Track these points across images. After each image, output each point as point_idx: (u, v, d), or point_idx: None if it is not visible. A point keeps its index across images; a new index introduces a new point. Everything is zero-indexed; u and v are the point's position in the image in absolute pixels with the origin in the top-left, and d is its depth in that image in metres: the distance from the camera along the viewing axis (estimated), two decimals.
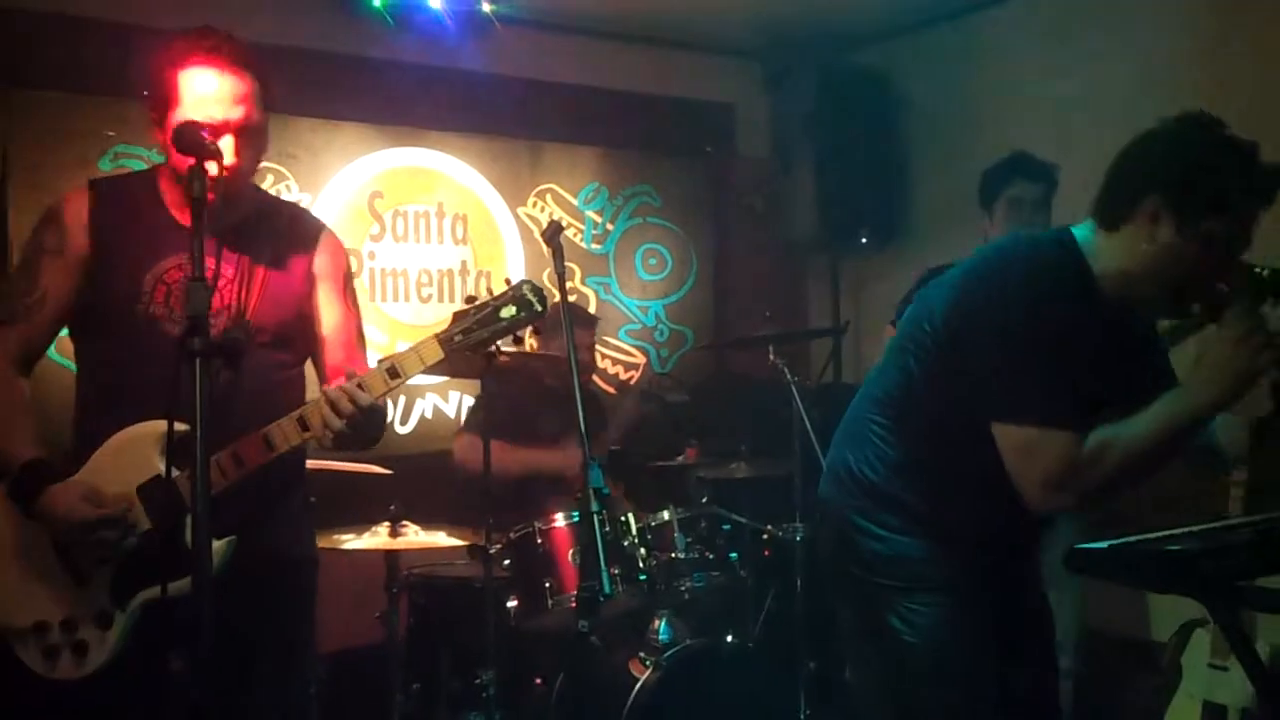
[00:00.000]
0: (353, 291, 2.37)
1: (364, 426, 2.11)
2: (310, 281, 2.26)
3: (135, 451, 2.06)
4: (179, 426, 2.00)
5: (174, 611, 1.98)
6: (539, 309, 2.17)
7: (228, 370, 1.98)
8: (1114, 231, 2.02)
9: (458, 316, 2.17)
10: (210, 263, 2.07)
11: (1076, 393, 1.95)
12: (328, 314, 2.28)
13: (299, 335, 2.25)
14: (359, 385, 2.07)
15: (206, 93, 2.05)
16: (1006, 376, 1.97)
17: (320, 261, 2.28)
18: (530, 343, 4.13)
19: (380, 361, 2.14)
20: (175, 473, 2.00)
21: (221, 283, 2.12)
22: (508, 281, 2.21)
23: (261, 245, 2.20)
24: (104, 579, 2.06)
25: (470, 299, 2.19)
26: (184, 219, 2.13)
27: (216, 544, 2.01)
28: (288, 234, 2.27)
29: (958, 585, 2.14)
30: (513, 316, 2.16)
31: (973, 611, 2.14)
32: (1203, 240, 1.93)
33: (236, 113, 2.07)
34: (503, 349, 3.35)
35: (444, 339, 2.15)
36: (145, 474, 2.06)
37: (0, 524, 2.09)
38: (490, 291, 2.19)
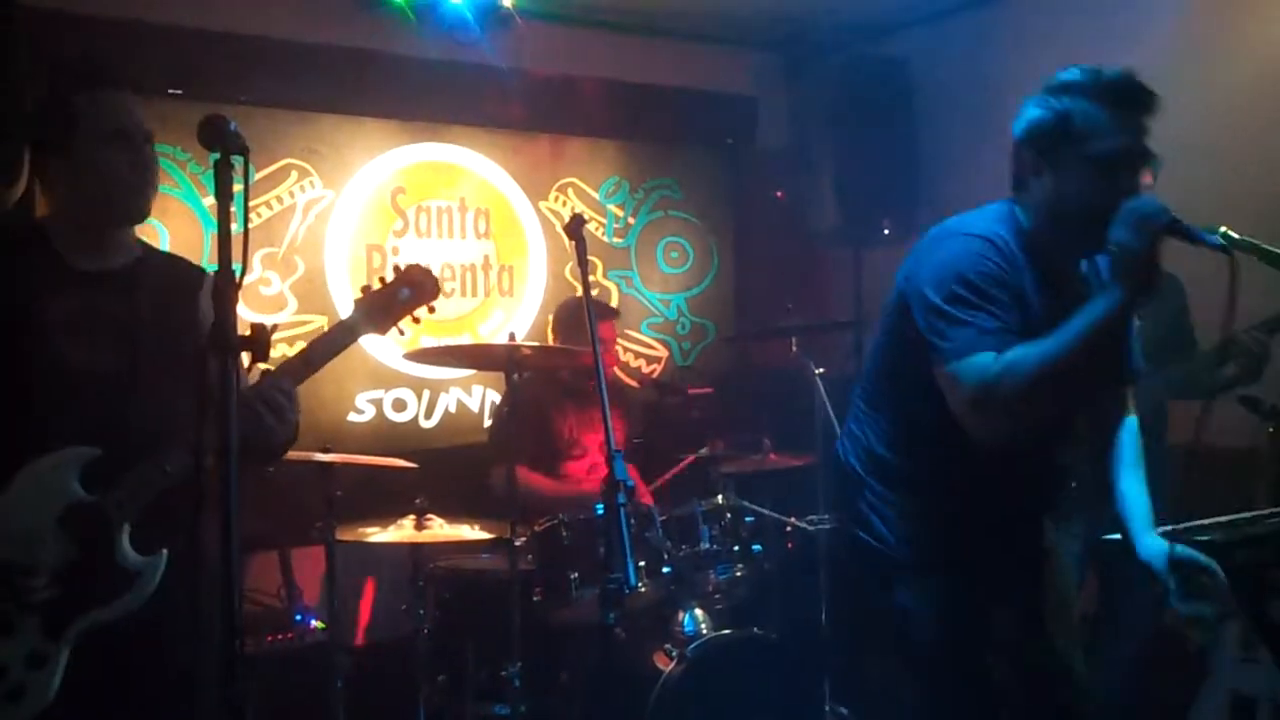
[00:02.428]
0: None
1: (279, 428, 2.10)
2: (201, 325, 2.20)
3: (50, 480, 2.02)
4: (89, 451, 2.02)
5: (121, 636, 1.99)
6: (432, 289, 2.29)
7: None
8: (1023, 191, 2.19)
9: (359, 304, 2.25)
10: (99, 307, 2.12)
11: (996, 327, 2.04)
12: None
13: (189, 376, 2.12)
14: (281, 377, 2.11)
15: (113, 103, 2.12)
16: (930, 323, 2.11)
17: (206, 303, 2.23)
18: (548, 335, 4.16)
19: (294, 355, 2.18)
20: (92, 496, 2.01)
21: (113, 325, 2.12)
22: (396, 269, 2.29)
23: (147, 289, 2.20)
24: (31, 619, 1.99)
25: (365, 288, 2.27)
26: (76, 261, 2.15)
27: (153, 558, 2.04)
28: (172, 278, 2.27)
29: (942, 570, 2.23)
30: (409, 297, 2.27)
31: (959, 597, 2.23)
32: (1082, 169, 2.06)
33: (148, 126, 2.16)
34: (523, 345, 3.37)
35: (349, 327, 2.23)
36: (64, 501, 2.01)
37: None
38: (383, 282, 2.28)
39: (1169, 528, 2.15)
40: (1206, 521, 2.18)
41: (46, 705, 1.98)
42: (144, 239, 2.31)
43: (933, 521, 2.26)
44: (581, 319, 3.98)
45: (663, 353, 5.20)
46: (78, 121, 2.10)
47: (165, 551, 2.04)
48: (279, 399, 2.09)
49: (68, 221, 2.18)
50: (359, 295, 2.26)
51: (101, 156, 2.12)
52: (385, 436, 4.37)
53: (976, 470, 2.16)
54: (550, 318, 4.25)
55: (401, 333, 2.32)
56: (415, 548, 3.37)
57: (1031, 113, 2.16)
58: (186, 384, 2.16)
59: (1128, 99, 2.05)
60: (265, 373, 2.13)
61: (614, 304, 4.94)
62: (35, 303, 2.10)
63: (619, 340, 4.88)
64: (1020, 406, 1.97)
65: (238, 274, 1.71)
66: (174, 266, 2.34)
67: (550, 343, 4.08)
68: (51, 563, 2.00)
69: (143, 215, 2.21)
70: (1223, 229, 3.02)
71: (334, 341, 2.21)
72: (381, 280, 2.27)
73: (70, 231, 2.17)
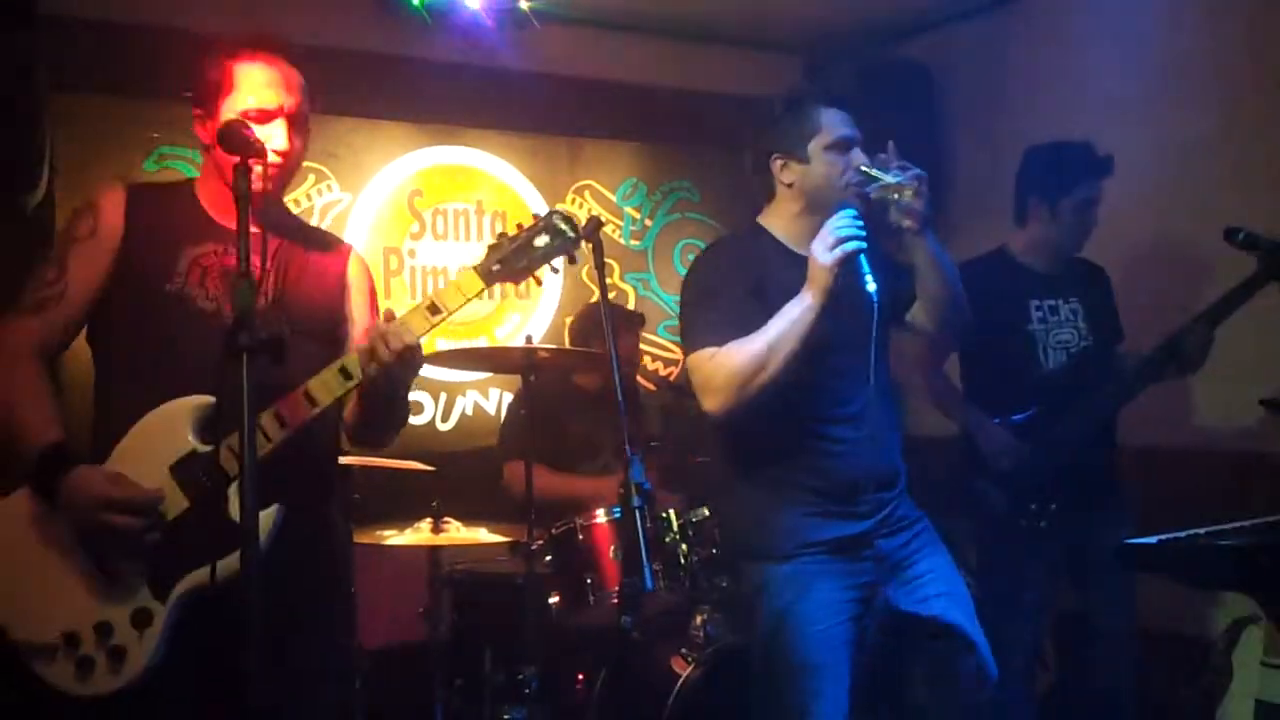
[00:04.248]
0: (377, 309, 2.34)
1: (401, 374, 2.05)
2: (343, 285, 2.26)
3: (167, 431, 1.99)
4: (204, 400, 1.99)
5: (226, 598, 1.84)
6: (571, 235, 2.16)
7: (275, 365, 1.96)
8: (768, 204, 2.67)
9: (493, 249, 2.12)
10: (232, 257, 2.08)
11: (718, 320, 2.44)
12: (359, 320, 2.27)
13: (329, 332, 2.22)
14: (401, 324, 2.01)
15: (262, 79, 2.09)
16: (681, 325, 2.57)
17: (353, 270, 2.29)
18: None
19: (420, 301, 2.08)
20: (209, 447, 1.96)
21: (257, 272, 2.08)
22: (535, 216, 2.17)
23: (297, 245, 2.22)
24: (139, 570, 1.95)
25: (502, 234, 2.15)
26: (222, 219, 2.14)
27: (263, 513, 1.90)
28: (320, 243, 2.31)
29: (791, 557, 2.47)
30: (547, 244, 2.14)
31: (808, 586, 2.45)
32: (823, 155, 2.54)
33: (291, 99, 2.10)
34: (540, 348, 3.37)
35: (483, 270, 2.10)
36: (178, 452, 1.98)
37: (16, 530, 1.97)
38: (520, 228, 2.15)
39: (1188, 532, 2.13)
40: (1231, 525, 2.15)
41: (142, 673, 1.92)
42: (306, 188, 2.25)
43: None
44: (600, 326, 3.98)
45: (680, 355, 5.18)
46: (223, 91, 2.08)
47: (277, 506, 1.96)
48: (393, 342, 1.97)
49: (212, 179, 2.17)
50: (493, 241, 2.15)
51: None
52: (402, 439, 4.30)
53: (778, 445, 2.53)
54: (567, 326, 4.24)
55: (539, 283, 2.20)
56: (432, 551, 3.37)
57: (782, 125, 2.63)
58: (320, 345, 2.18)
59: (847, 101, 2.60)
60: (389, 312, 2.08)
61: (631, 306, 4.93)
62: (175, 246, 2.10)
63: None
64: (734, 389, 2.38)
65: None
66: (323, 234, 2.40)
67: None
68: (162, 513, 1.95)
69: (270, 182, 2.12)
70: (1244, 231, 3.00)
71: (462, 287, 2.08)
72: (519, 226, 2.15)
73: (215, 192, 2.16)
